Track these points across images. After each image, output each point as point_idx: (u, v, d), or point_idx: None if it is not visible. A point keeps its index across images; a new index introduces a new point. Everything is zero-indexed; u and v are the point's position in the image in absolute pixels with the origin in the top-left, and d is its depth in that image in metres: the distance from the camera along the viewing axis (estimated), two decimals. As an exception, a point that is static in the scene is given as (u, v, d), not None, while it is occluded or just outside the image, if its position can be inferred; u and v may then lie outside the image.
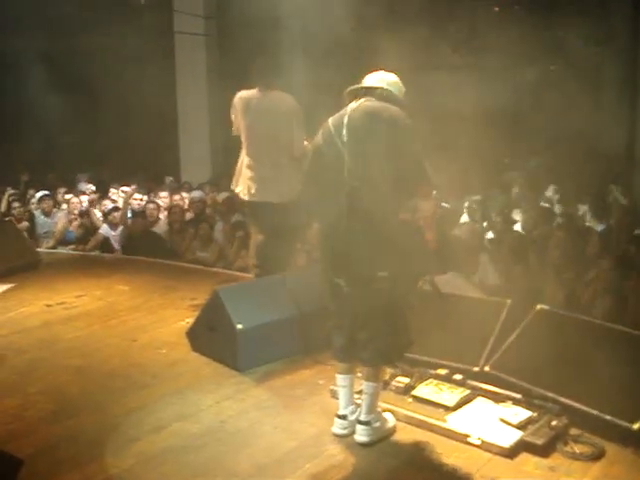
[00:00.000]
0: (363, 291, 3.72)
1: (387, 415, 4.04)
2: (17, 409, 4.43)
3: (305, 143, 5.46)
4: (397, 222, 3.70)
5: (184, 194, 10.25)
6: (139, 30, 11.94)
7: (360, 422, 3.87)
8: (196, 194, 10.14)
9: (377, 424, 3.88)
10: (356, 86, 3.87)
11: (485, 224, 7.89)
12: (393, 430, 3.99)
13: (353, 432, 3.90)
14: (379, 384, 3.93)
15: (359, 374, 3.97)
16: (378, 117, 3.67)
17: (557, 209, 8.54)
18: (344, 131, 3.68)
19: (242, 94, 5.75)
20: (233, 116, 5.81)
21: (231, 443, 3.95)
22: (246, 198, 5.78)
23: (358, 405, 3.96)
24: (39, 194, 10.17)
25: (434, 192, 3.91)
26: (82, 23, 11.93)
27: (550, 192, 9.46)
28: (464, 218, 8.23)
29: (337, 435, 3.94)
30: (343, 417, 3.96)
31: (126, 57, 11.67)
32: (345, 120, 3.71)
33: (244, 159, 5.78)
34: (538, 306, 4.65)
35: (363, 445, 3.83)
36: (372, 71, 3.94)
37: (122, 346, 5.47)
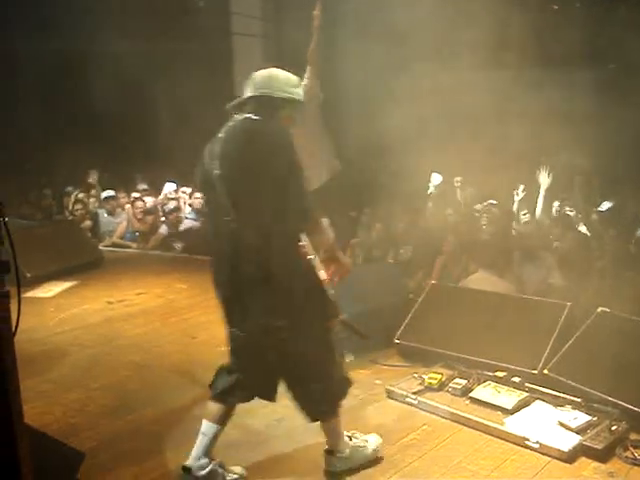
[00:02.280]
0: (265, 342, 3.30)
1: (370, 437, 3.79)
2: (79, 404, 4.55)
3: None
4: (286, 264, 3.19)
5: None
6: (197, 32, 12.10)
7: (325, 451, 3.64)
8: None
9: (343, 454, 3.62)
10: (235, 101, 3.38)
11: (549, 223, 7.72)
12: (373, 455, 3.73)
13: None
14: (329, 422, 3.55)
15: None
16: (251, 143, 3.19)
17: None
18: (217, 162, 3.22)
19: None
20: None
21: (288, 440, 3.99)
22: None
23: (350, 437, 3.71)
24: (104, 194, 10.37)
25: (320, 224, 3.36)
26: (143, 27, 12.14)
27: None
28: (526, 217, 8.05)
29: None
30: (187, 470, 3.46)
31: (184, 59, 11.83)
32: (217, 148, 3.24)
33: None
34: (599, 309, 4.57)
35: (332, 473, 3.62)
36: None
37: (182, 343, 5.57)
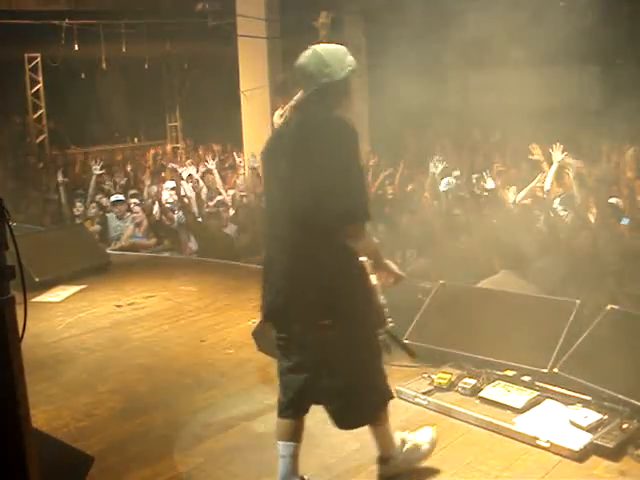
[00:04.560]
0: (311, 340, 3.21)
1: (421, 434, 3.70)
2: (88, 407, 4.56)
3: None
4: (339, 265, 3.12)
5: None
6: (204, 34, 12.13)
7: (379, 459, 3.54)
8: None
9: (399, 458, 3.52)
10: (294, 100, 3.25)
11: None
12: (428, 452, 3.65)
13: None
14: (378, 426, 3.43)
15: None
16: (314, 138, 3.11)
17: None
18: (281, 161, 3.18)
19: (275, 114, 5.90)
20: None
21: (297, 443, 3.97)
22: None
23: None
24: (112, 198, 10.39)
25: (365, 230, 3.19)
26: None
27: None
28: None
29: None
30: None
31: (191, 61, 11.88)
32: (282, 146, 3.22)
33: None
34: (609, 306, 4.55)
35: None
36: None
37: (190, 346, 5.57)
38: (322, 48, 3.20)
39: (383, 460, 3.53)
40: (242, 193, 10.56)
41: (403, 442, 3.59)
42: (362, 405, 3.31)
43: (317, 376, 3.27)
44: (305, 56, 3.20)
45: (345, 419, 3.35)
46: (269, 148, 3.32)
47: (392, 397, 3.46)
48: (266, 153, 3.33)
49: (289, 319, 3.25)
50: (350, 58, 3.21)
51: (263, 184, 3.52)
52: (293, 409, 3.36)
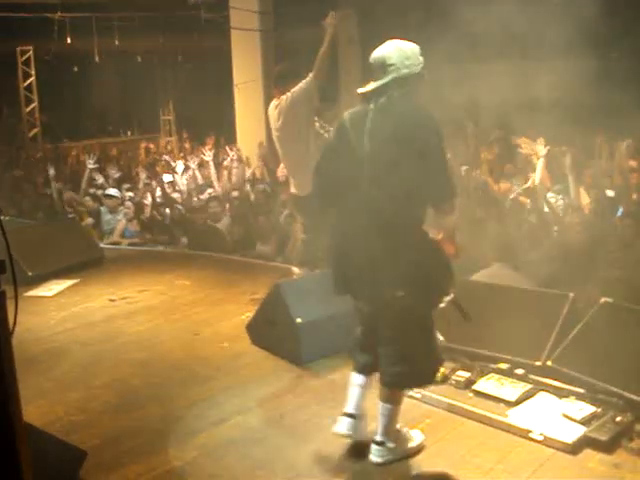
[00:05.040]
0: (381, 312, 3.55)
1: (414, 433, 3.85)
2: (81, 401, 4.54)
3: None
4: (417, 237, 3.45)
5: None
6: (197, 27, 12.07)
7: (374, 442, 3.68)
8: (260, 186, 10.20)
9: (392, 445, 3.67)
10: (372, 85, 3.52)
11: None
12: (416, 449, 3.77)
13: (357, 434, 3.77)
14: (396, 407, 3.67)
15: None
16: (402, 123, 3.40)
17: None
18: (365, 138, 3.43)
19: (272, 104, 5.94)
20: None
21: (291, 436, 3.98)
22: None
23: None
24: (105, 192, 10.33)
25: (455, 204, 3.52)
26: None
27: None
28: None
29: (338, 434, 3.77)
30: (351, 416, 3.76)
31: (185, 53, 11.84)
32: (367, 125, 3.44)
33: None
34: (602, 299, 4.55)
35: (377, 465, 3.65)
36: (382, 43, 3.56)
37: (185, 340, 5.56)
38: (403, 43, 3.52)
39: (378, 443, 3.66)
40: (234, 187, 10.49)
41: (398, 432, 3.72)
42: (420, 370, 3.64)
43: (382, 342, 3.61)
44: (387, 48, 3.50)
45: (402, 382, 3.65)
46: (344, 130, 3.55)
47: (437, 373, 3.84)
48: (341, 129, 3.58)
49: (366, 289, 3.53)
50: (421, 57, 3.56)
51: (327, 160, 3.71)
52: (366, 371, 3.77)
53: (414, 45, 3.56)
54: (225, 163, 11.39)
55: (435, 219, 3.51)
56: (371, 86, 3.51)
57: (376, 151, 3.41)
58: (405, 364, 3.55)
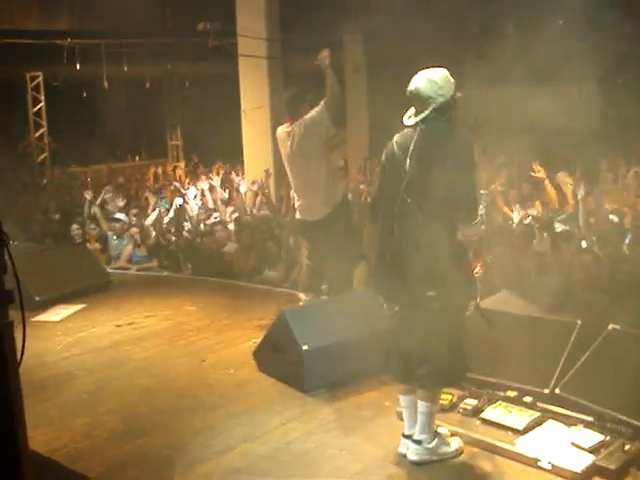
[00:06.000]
0: (414, 313, 3.77)
1: (453, 439, 3.98)
2: (86, 428, 4.52)
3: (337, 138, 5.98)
4: (447, 242, 3.72)
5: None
6: (205, 54, 12.17)
7: (413, 440, 3.87)
8: (263, 212, 10.24)
9: (430, 444, 3.85)
10: (413, 120, 3.83)
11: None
12: (454, 454, 3.92)
13: None
14: (433, 405, 3.88)
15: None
16: (442, 146, 3.70)
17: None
18: (408, 160, 3.73)
19: (280, 129, 6.01)
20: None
21: (297, 465, 3.95)
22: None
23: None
24: (114, 216, 10.33)
25: (475, 221, 3.83)
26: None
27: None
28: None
29: (402, 455, 3.93)
30: (408, 437, 3.94)
31: (192, 80, 11.93)
32: (411, 148, 3.73)
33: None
34: (610, 326, 4.53)
35: (413, 463, 3.84)
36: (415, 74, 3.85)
37: (191, 366, 5.54)
38: (432, 73, 3.78)
39: (416, 441, 3.85)
40: (235, 213, 10.47)
41: (437, 434, 3.93)
42: (450, 369, 3.82)
43: (413, 344, 3.79)
44: (419, 82, 3.76)
45: (432, 382, 3.82)
46: (392, 152, 3.86)
47: (467, 372, 4.04)
48: (389, 155, 3.90)
49: (399, 291, 3.78)
50: (451, 78, 3.81)
51: (381, 178, 4.08)
52: (402, 376, 3.95)
53: (443, 70, 3.80)
54: (242, 189, 11.39)
55: (462, 231, 3.81)
56: (412, 121, 3.80)
57: (414, 167, 3.70)
58: (436, 363, 3.75)
